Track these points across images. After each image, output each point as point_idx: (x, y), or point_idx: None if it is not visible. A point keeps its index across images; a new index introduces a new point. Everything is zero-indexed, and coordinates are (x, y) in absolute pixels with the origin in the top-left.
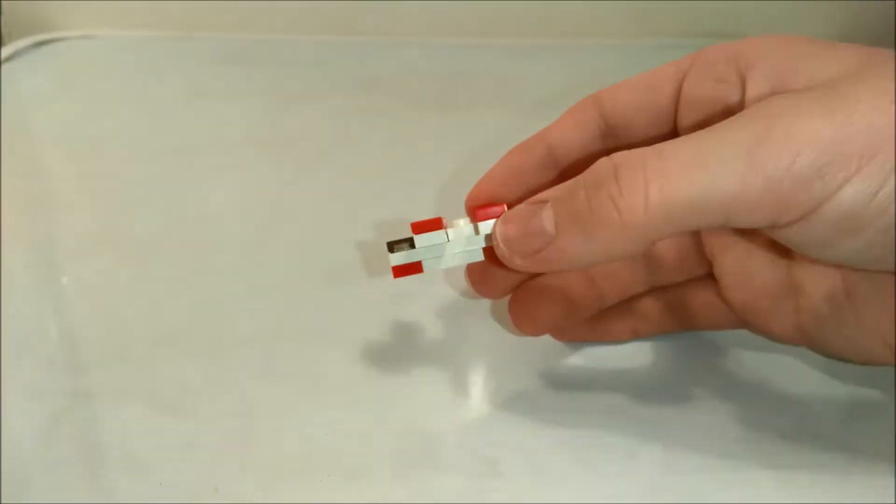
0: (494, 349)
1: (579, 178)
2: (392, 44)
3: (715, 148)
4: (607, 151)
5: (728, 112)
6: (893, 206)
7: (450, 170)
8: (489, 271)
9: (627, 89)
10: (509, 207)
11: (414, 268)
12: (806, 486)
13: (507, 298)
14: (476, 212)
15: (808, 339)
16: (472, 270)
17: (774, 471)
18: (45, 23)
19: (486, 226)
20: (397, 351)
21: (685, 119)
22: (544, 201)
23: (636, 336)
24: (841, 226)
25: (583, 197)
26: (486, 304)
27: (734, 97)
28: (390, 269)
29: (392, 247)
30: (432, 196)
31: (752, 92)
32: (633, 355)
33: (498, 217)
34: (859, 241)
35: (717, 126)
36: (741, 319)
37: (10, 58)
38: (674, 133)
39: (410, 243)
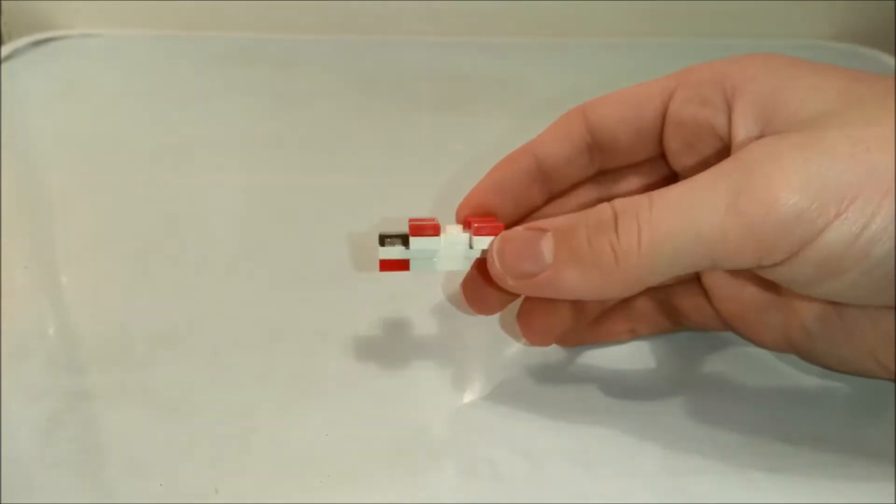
0: (494, 349)
1: (581, 215)
2: (392, 44)
3: (698, 198)
4: (593, 165)
5: (713, 134)
6: (875, 249)
7: (449, 170)
8: (485, 290)
9: (614, 105)
10: (503, 224)
11: (401, 265)
12: (806, 487)
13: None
14: (469, 221)
15: (798, 351)
16: (468, 288)
17: (774, 472)
18: (44, 22)
19: (482, 241)
20: (397, 351)
21: (671, 138)
22: (544, 230)
23: (635, 336)
24: (824, 268)
25: (584, 236)
26: None
27: (719, 120)
28: (377, 261)
29: (383, 240)
30: (432, 196)
31: (737, 118)
32: (632, 355)
33: (495, 235)
34: (843, 282)
35: (701, 176)
36: (730, 328)
37: (9, 57)
38: (659, 148)
39: (404, 240)
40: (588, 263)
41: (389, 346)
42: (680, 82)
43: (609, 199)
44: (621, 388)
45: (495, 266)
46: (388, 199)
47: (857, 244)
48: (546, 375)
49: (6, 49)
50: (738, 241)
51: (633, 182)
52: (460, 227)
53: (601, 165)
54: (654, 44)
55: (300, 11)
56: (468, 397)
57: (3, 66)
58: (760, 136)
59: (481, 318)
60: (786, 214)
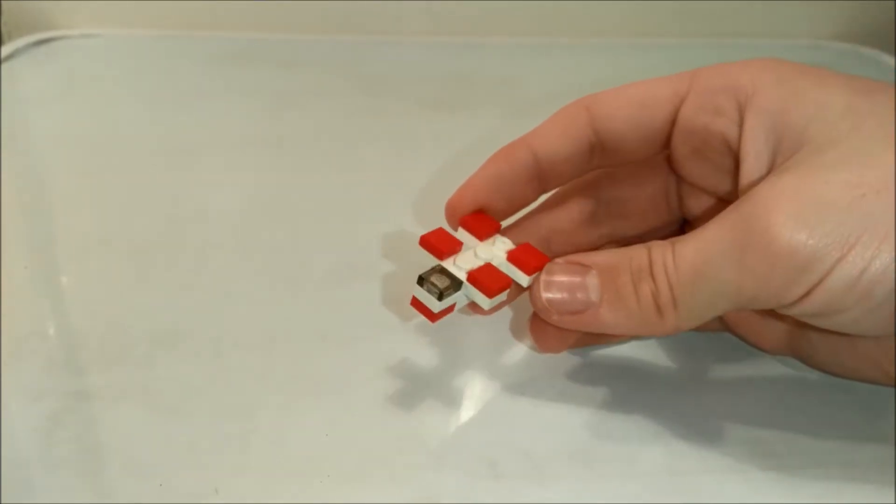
0: (493, 349)
1: (623, 257)
2: (392, 44)
3: (711, 255)
4: (592, 163)
5: (724, 144)
6: (876, 289)
7: (450, 170)
8: (553, 331)
9: (620, 104)
10: (487, 214)
11: (450, 309)
12: (806, 487)
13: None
14: (465, 222)
15: (799, 356)
16: (537, 332)
17: (774, 471)
18: (45, 22)
19: (530, 277)
20: (397, 351)
21: (680, 144)
22: (588, 266)
23: (636, 336)
24: (829, 306)
25: (628, 281)
26: None
27: (732, 132)
28: (420, 310)
29: (442, 295)
30: (432, 196)
31: (747, 133)
32: (633, 355)
33: (541, 269)
34: (846, 317)
35: (710, 230)
36: (731, 331)
37: (10, 57)
38: (663, 150)
39: (454, 283)
40: (633, 309)
41: (389, 345)
42: (692, 87)
43: (605, 203)
44: (622, 388)
45: (542, 301)
46: (387, 199)
47: (858, 286)
48: (546, 375)
49: (6, 49)
50: (753, 293)
51: (626, 188)
52: (493, 246)
53: (599, 163)
54: (654, 44)
55: (300, 11)
56: (468, 397)
57: (3, 66)
58: (771, 154)
59: (480, 318)
60: (790, 266)
